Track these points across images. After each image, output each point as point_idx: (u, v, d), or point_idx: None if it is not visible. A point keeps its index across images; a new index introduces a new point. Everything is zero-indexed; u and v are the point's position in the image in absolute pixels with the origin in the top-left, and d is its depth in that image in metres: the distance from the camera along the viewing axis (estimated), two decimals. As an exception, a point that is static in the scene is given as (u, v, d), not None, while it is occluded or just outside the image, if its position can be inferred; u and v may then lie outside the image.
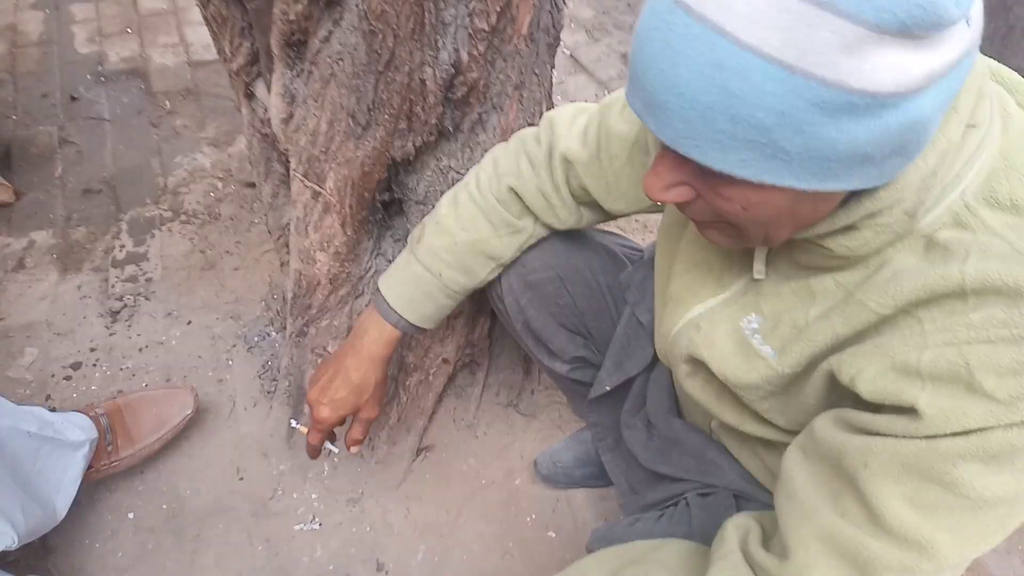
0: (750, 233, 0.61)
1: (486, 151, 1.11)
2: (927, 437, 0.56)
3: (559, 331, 1.13)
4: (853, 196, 0.58)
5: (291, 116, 1.06)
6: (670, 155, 0.58)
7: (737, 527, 0.75)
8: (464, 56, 0.96)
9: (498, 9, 0.93)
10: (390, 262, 1.27)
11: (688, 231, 0.85)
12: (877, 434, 0.59)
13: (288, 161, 1.16)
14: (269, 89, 1.10)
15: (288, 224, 1.33)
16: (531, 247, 1.07)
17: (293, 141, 1.08)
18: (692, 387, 0.87)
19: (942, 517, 0.57)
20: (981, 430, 0.53)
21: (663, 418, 1.06)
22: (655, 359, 1.09)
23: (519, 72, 1.04)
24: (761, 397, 0.76)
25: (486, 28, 0.94)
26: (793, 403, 0.74)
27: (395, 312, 1.05)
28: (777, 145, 0.48)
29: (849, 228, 0.60)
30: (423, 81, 0.97)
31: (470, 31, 0.94)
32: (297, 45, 0.99)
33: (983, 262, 0.54)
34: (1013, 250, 0.54)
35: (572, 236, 1.09)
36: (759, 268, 0.74)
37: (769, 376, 0.73)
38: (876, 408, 0.61)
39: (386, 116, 1.00)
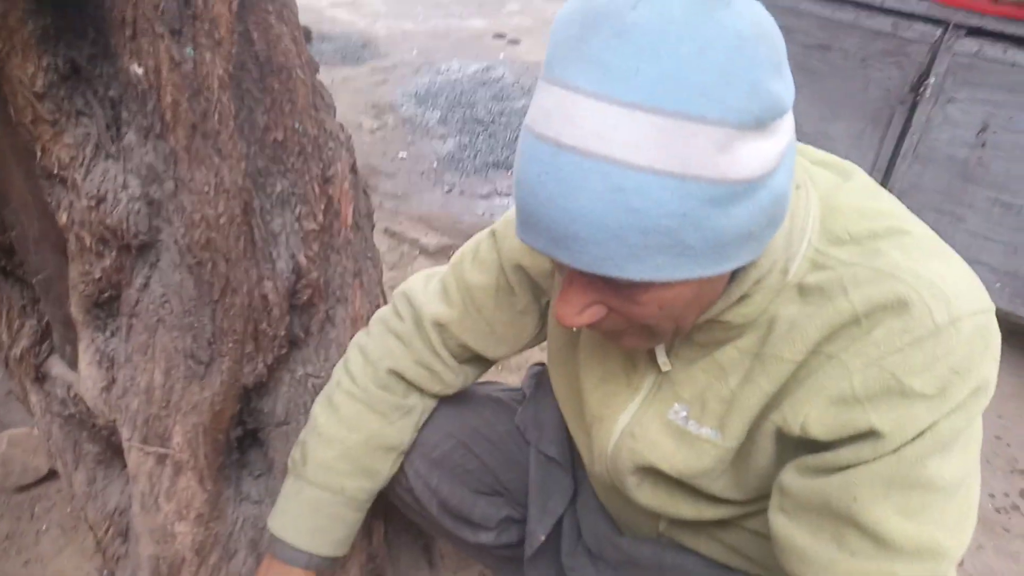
0: (663, 329, 0.65)
1: (341, 346, 1.06)
2: (894, 451, 0.61)
3: (477, 499, 1.07)
4: (739, 271, 0.65)
5: (113, 381, 0.92)
6: (577, 280, 0.61)
7: None
8: (302, 259, 0.93)
9: (323, 207, 0.93)
10: (257, 504, 1.12)
11: (580, 351, 0.87)
12: (849, 467, 0.64)
13: (110, 435, 1.00)
14: (72, 363, 0.95)
15: (116, 511, 1.12)
16: (423, 427, 1.02)
17: (121, 408, 0.93)
18: (643, 496, 0.86)
19: (930, 516, 0.62)
20: (931, 426, 0.60)
21: (607, 542, 1.03)
22: (576, 490, 1.08)
23: (354, 260, 1.03)
24: (715, 478, 0.78)
25: (316, 227, 0.93)
26: (745, 473, 0.77)
27: (302, 552, 0.92)
28: (684, 244, 0.53)
29: (742, 298, 0.67)
30: (264, 296, 0.91)
31: (302, 234, 0.92)
32: (107, 303, 0.88)
33: (861, 289, 0.63)
34: (874, 272, 0.63)
35: (457, 398, 1.06)
36: (663, 360, 0.78)
37: (719, 455, 0.76)
38: (833, 445, 0.65)
39: (230, 344, 0.91)
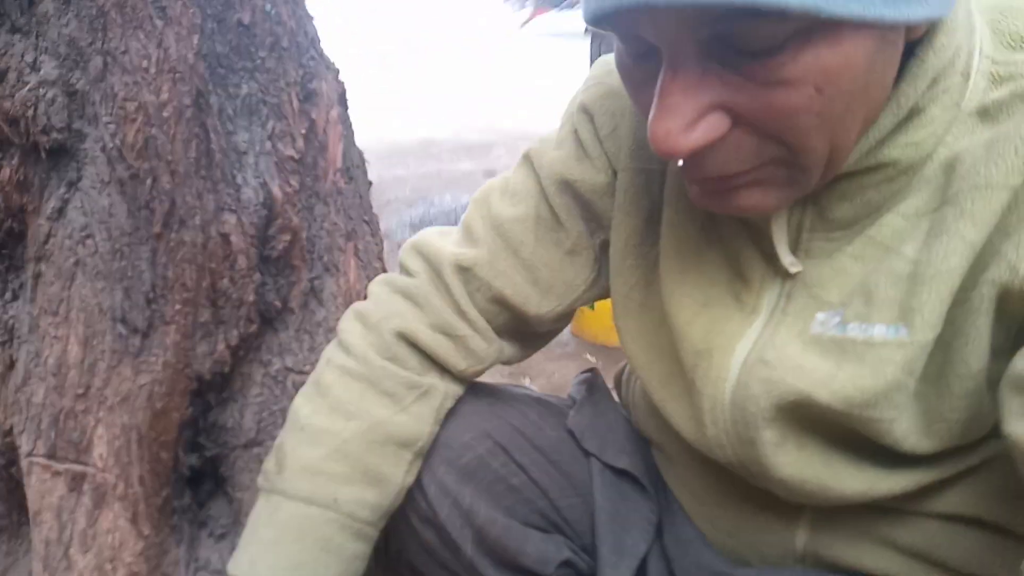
0: (814, 147, 0.44)
1: (331, 332, 0.80)
2: None
3: (528, 533, 0.75)
4: (910, 61, 0.46)
5: (12, 364, 0.66)
6: (684, 69, 0.41)
7: None
8: (277, 191, 0.70)
9: (303, 131, 0.72)
10: (217, 575, 0.80)
11: (662, 280, 0.63)
12: None
13: (9, 465, 0.71)
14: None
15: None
16: (447, 422, 0.74)
17: (21, 404, 0.65)
18: (784, 462, 0.58)
19: None
20: None
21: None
22: (661, 518, 0.77)
23: (347, 218, 0.80)
24: (900, 406, 0.52)
25: (295, 155, 0.72)
26: (945, 386, 0.51)
27: None
28: None
29: (912, 115, 0.47)
30: (225, 236, 0.67)
31: (276, 159, 0.70)
32: (5, 246, 0.64)
33: None
34: None
35: (490, 391, 0.79)
36: (789, 259, 0.55)
37: (907, 359, 0.50)
38: None
39: (177, 305, 0.66)
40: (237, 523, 0.80)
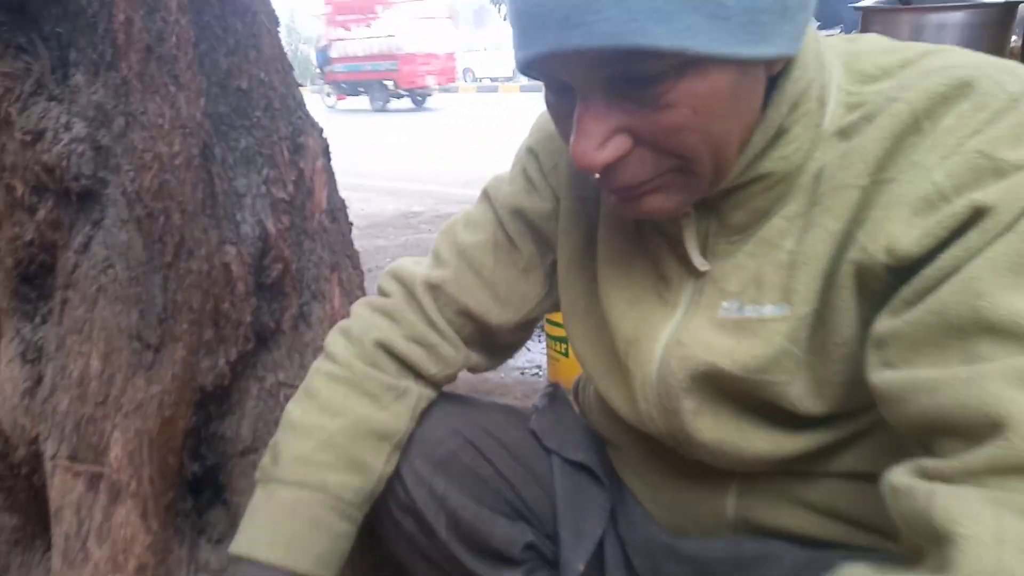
0: (701, 158, 0.56)
1: (318, 351, 0.91)
2: (1010, 227, 0.49)
3: (496, 519, 0.85)
4: (773, 92, 0.57)
5: (40, 380, 0.76)
6: (594, 103, 0.53)
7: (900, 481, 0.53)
8: (271, 227, 0.82)
9: (293, 178, 0.85)
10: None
11: (600, 285, 0.76)
12: (959, 267, 0.50)
13: (31, 473, 0.80)
14: (-7, 372, 0.79)
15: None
16: (422, 421, 0.84)
17: (47, 412, 0.75)
18: (704, 427, 0.69)
19: None
20: None
21: (664, 554, 0.81)
22: (614, 504, 0.88)
23: (331, 252, 0.92)
24: (791, 371, 0.64)
25: (286, 197, 0.84)
26: (826, 353, 0.63)
27: (277, 570, 0.70)
28: (717, 1, 0.47)
29: (779, 135, 0.59)
30: (226, 266, 0.79)
31: (270, 200, 0.83)
32: (39, 276, 0.76)
33: (915, 88, 0.55)
34: (923, 73, 0.56)
35: (460, 397, 0.90)
36: (699, 260, 0.67)
37: (792, 329, 0.62)
38: (932, 254, 0.52)
39: (185, 325, 0.77)
40: (233, 527, 0.89)
